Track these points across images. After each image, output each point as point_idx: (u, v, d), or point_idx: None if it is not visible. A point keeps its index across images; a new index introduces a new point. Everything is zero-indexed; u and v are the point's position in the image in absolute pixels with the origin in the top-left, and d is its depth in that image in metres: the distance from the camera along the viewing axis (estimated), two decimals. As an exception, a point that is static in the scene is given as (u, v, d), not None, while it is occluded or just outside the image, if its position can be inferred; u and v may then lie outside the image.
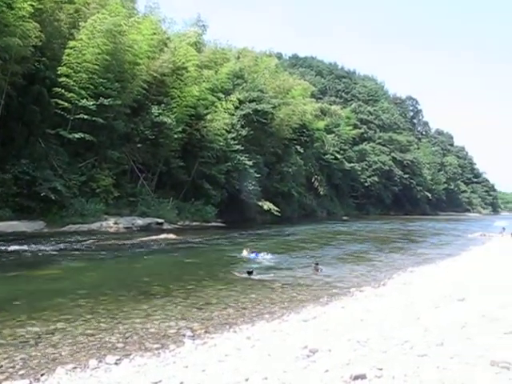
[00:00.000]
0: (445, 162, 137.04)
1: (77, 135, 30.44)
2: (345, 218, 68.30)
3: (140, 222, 32.00)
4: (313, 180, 69.94)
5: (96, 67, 31.32)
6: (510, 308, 8.01)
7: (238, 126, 44.32)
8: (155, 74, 37.04)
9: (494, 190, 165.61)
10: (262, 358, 6.12)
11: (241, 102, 44.70)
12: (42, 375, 6.23)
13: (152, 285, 12.89)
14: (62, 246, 20.49)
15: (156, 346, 7.63)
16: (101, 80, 31.65)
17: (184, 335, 8.15)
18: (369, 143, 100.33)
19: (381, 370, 5.06)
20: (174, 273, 15.74)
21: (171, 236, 26.66)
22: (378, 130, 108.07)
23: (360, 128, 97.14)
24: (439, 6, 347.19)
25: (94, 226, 28.99)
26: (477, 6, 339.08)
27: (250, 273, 14.49)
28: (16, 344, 7.51)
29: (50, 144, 30.09)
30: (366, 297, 11.28)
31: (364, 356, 5.70)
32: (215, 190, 40.90)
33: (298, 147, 59.17)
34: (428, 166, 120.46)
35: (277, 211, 45.87)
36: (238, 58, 55.58)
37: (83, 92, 30.82)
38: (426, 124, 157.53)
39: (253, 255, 19.10)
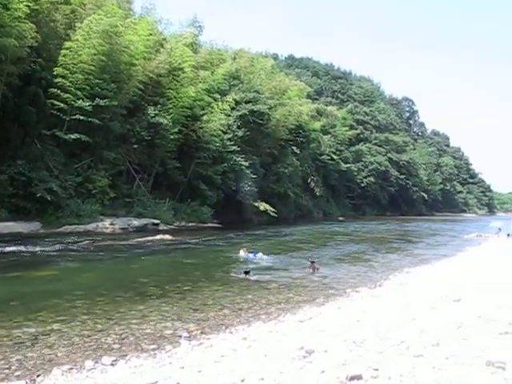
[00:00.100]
0: (441, 163, 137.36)
1: (73, 136, 30.40)
2: (341, 218, 68.43)
3: (136, 222, 31.93)
4: (309, 181, 69.95)
5: (92, 68, 31.26)
6: (506, 309, 8.03)
7: (234, 126, 44.36)
8: (151, 75, 36.99)
9: (490, 191, 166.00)
10: (258, 358, 6.12)
11: (237, 102, 44.67)
12: (37, 376, 6.22)
13: (148, 286, 12.89)
14: (58, 246, 20.44)
15: (152, 346, 7.62)
16: (97, 81, 31.59)
17: (180, 336, 8.14)
18: (365, 144, 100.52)
19: (377, 370, 5.06)
20: (170, 273, 15.73)
21: (167, 237, 26.63)
22: (374, 131, 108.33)
23: (356, 129, 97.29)
24: (436, 6, 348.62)
25: (90, 226, 28.94)
26: (475, 6, 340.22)
27: (246, 273, 14.52)
28: (12, 345, 7.49)
29: (45, 145, 30.02)
30: (362, 297, 11.29)
31: (360, 356, 5.70)
32: (211, 191, 40.89)
33: (294, 148, 59.18)
34: (424, 166, 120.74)
35: (273, 212, 45.90)
36: (235, 58, 55.59)
37: (79, 93, 30.75)
38: (422, 125, 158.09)
39: (251, 255, 19.14)
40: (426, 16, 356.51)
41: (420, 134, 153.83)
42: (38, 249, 19.30)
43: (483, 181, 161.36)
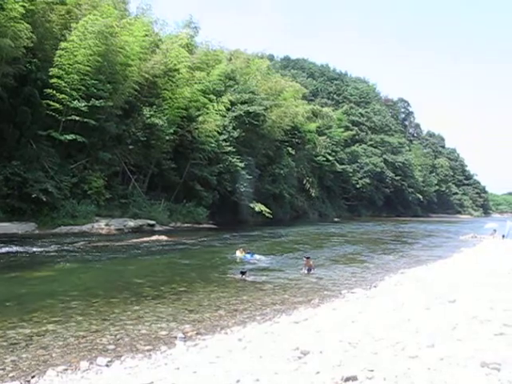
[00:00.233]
0: (436, 164, 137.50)
1: (68, 137, 30.35)
2: (336, 219, 68.55)
3: (131, 223, 31.89)
4: (304, 182, 69.88)
5: (87, 68, 31.18)
6: (501, 310, 8.05)
7: (230, 127, 44.36)
8: (147, 76, 37.01)
9: (485, 192, 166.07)
10: (253, 359, 6.12)
11: (232, 103, 44.73)
12: (32, 377, 6.22)
13: (144, 286, 12.88)
14: (53, 247, 20.41)
15: (147, 347, 7.62)
16: (92, 81, 31.53)
17: (175, 337, 8.13)
18: (360, 145, 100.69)
19: (372, 371, 5.07)
20: (165, 274, 15.71)
21: (163, 237, 26.61)
22: (369, 132, 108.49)
23: (351, 130, 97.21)
24: (434, 6, 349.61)
25: (86, 227, 28.89)
26: (473, 5, 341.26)
27: (243, 273, 14.57)
28: (6, 346, 7.48)
29: (41, 145, 29.94)
30: (357, 298, 11.30)
31: (355, 357, 5.70)
32: (207, 192, 40.91)
33: (290, 149, 59.24)
34: (419, 167, 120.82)
35: (268, 213, 45.87)
36: (230, 59, 55.54)
37: (75, 93, 30.67)
38: (417, 126, 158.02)
39: (248, 255, 19.20)
40: (422, 18, 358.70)
41: (415, 135, 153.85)
42: (33, 249, 19.26)
43: (478, 182, 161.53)
